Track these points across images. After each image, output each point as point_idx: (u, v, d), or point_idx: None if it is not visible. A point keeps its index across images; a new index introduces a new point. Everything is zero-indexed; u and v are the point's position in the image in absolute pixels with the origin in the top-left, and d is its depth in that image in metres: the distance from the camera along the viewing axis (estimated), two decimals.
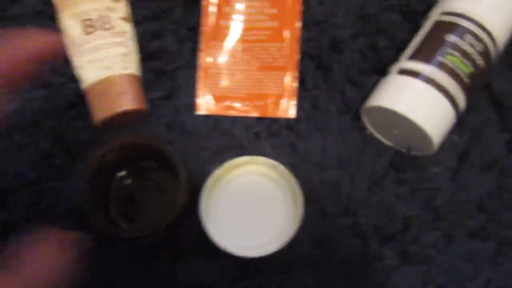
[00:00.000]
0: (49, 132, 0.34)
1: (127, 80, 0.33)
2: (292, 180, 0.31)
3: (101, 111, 0.32)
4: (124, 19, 0.35)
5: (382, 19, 0.37)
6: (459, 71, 0.31)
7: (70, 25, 0.34)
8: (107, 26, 0.34)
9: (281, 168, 0.31)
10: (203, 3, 0.36)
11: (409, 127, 0.31)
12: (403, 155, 0.34)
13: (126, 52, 0.34)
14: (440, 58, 0.31)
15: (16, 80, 0.21)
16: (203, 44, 0.36)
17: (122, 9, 0.35)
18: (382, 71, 0.35)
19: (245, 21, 0.36)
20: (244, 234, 0.31)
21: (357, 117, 0.35)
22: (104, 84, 0.32)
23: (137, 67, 0.34)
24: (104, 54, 0.33)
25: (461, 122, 0.34)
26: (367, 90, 0.35)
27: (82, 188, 0.28)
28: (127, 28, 0.35)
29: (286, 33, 0.36)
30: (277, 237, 0.30)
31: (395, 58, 0.34)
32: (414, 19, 0.36)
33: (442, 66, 0.31)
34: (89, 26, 0.33)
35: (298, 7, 0.36)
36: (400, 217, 0.32)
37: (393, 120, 0.31)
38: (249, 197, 0.32)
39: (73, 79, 0.34)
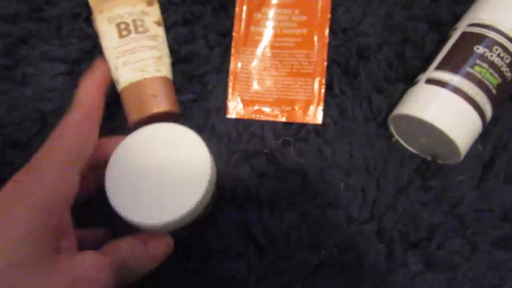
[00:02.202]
0: None
1: (160, 82, 0.34)
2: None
3: (135, 112, 0.33)
4: (157, 23, 0.36)
5: (409, 28, 0.37)
6: (486, 82, 0.31)
7: (106, 28, 0.34)
8: (141, 29, 0.35)
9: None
10: (236, 9, 0.37)
11: (436, 136, 0.31)
12: (429, 163, 0.34)
13: (159, 55, 0.34)
14: (468, 68, 0.31)
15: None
16: (233, 49, 0.37)
17: (155, 13, 0.36)
18: (408, 80, 0.35)
19: (275, 27, 0.37)
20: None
21: (383, 124, 0.35)
22: (138, 86, 0.33)
23: (170, 70, 0.35)
24: (138, 57, 0.34)
25: (487, 132, 0.34)
26: (394, 98, 0.35)
27: None
28: (160, 32, 0.36)
29: (315, 40, 0.36)
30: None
31: (421, 68, 0.35)
32: (441, 29, 0.37)
33: (470, 77, 0.31)
34: (124, 30, 0.34)
35: (327, 15, 0.37)
36: (425, 224, 0.33)
37: (420, 128, 0.32)
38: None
39: None
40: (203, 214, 0.28)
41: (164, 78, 0.34)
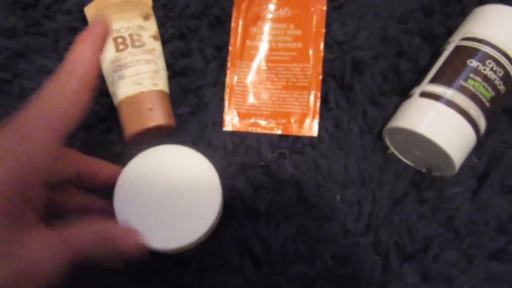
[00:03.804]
0: (81, 145, 0.35)
1: (156, 96, 0.34)
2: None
3: (131, 125, 0.33)
4: (154, 37, 0.36)
5: (403, 42, 0.38)
6: (480, 95, 0.31)
7: None
8: (137, 43, 0.35)
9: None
10: (232, 24, 0.38)
11: (431, 148, 0.31)
12: (424, 175, 0.34)
13: (156, 69, 0.35)
14: (461, 82, 0.32)
15: None
16: (229, 63, 0.37)
17: (152, 28, 0.36)
18: (403, 93, 0.36)
19: (270, 41, 0.37)
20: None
21: (378, 136, 0.35)
22: (135, 99, 0.33)
23: (166, 84, 0.35)
24: (135, 71, 0.34)
25: (482, 144, 0.35)
26: (389, 111, 0.36)
27: None
28: (157, 46, 0.36)
29: (310, 54, 0.37)
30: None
31: (415, 80, 0.35)
32: (435, 43, 0.37)
33: (463, 90, 0.32)
34: (121, 44, 0.35)
35: (322, 29, 0.37)
36: (421, 236, 0.33)
37: (415, 141, 0.32)
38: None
39: (105, 94, 0.35)
40: (208, 233, 0.28)
41: (161, 91, 0.34)
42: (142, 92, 0.33)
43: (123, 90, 0.34)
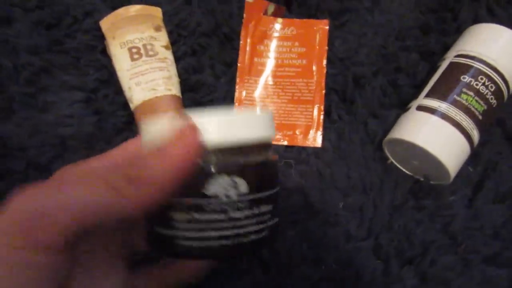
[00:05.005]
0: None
1: (170, 100, 0.37)
2: None
3: None
4: (165, 47, 0.39)
5: (401, 58, 0.40)
6: (473, 109, 0.34)
7: (119, 53, 0.38)
8: (151, 53, 0.38)
9: None
10: (241, 42, 0.40)
11: (427, 158, 0.34)
12: (422, 183, 0.36)
13: (169, 75, 0.38)
14: (455, 96, 0.34)
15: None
16: (238, 78, 0.40)
17: (163, 38, 0.39)
18: (401, 106, 0.38)
19: (276, 58, 0.40)
20: None
21: (379, 147, 0.38)
22: (150, 104, 0.36)
23: (178, 89, 0.38)
24: (149, 78, 0.37)
25: (477, 155, 0.37)
26: (388, 123, 0.38)
27: None
28: (168, 54, 0.39)
29: (314, 70, 0.39)
30: None
31: (413, 94, 0.38)
32: (432, 59, 0.40)
33: (457, 104, 0.34)
34: (135, 53, 0.38)
35: (324, 47, 0.40)
36: (419, 241, 0.35)
37: (413, 151, 0.34)
38: None
39: (122, 107, 0.38)
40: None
41: (174, 96, 0.37)
42: (156, 97, 0.36)
43: (139, 95, 0.37)
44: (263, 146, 0.22)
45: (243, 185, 0.20)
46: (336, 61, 0.40)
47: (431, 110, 0.34)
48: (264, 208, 0.21)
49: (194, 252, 0.20)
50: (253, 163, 0.21)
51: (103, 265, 0.23)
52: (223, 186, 0.20)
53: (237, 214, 0.20)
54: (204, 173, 0.20)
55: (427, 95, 0.35)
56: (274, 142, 0.38)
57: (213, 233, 0.20)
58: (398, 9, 0.42)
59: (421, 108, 0.35)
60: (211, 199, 0.20)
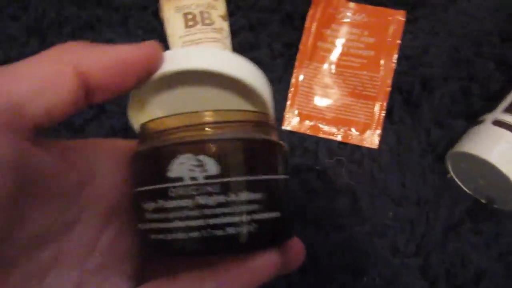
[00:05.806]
0: None
1: None
2: None
3: None
4: (223, 17, 0.36)
5: (475, 65, 0.37)
6: None
7: (173, 17, 0.35)
8: (207, 21, 0.35)
9: None
10: (307, 22, 0.37)
11: (497, 179, 0.30)
12: (481, 205, 0.33)
13: (223, 48, 0.35)
14: None
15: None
16: (297, 61, 0.36)
17: (221, 8, 0.36)
18: (470, 117, 0.35)
19: (343, 45, 0.36)
20: None
21: (439, 158, 0.34)
22: None
23: None
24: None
25: None
26: (453, 134, 0.35)
27: None
28: (225, 26, 0.36)
29: (381, 64, 0.36)
30: None
31: (483, 106, 0.34)
32: (508, 71, 0.36)
33: None
34: (190, 20, 0.35)
35: (397, 40, 0.36)
36: (473, 267, 0.32)
37: (480, 169, 0.31)
38: None
39: None
40: None
41: None
42: None
43: None
44: (247, 121, 0.18)
45: (212, 166, 0.17)
46: (403, 57, 0.37)
47: (510, 127, 0.31)
48: (248, 196, 0.17)
49: (164, 246, 0.17)
50: (228, 139, 0.17)
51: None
52: (187, 167, 0.17)
53: (207, 201, 0.17)
54: (167, 152, 0.17)
55: (506, 110, 0.32)
56: (328, 136, 0.35)
57: (180, 223, 0.17)
58: (476, 10, 0.39)
59: (498, 123, 0.31)
60: (175, 182, 0.17)
